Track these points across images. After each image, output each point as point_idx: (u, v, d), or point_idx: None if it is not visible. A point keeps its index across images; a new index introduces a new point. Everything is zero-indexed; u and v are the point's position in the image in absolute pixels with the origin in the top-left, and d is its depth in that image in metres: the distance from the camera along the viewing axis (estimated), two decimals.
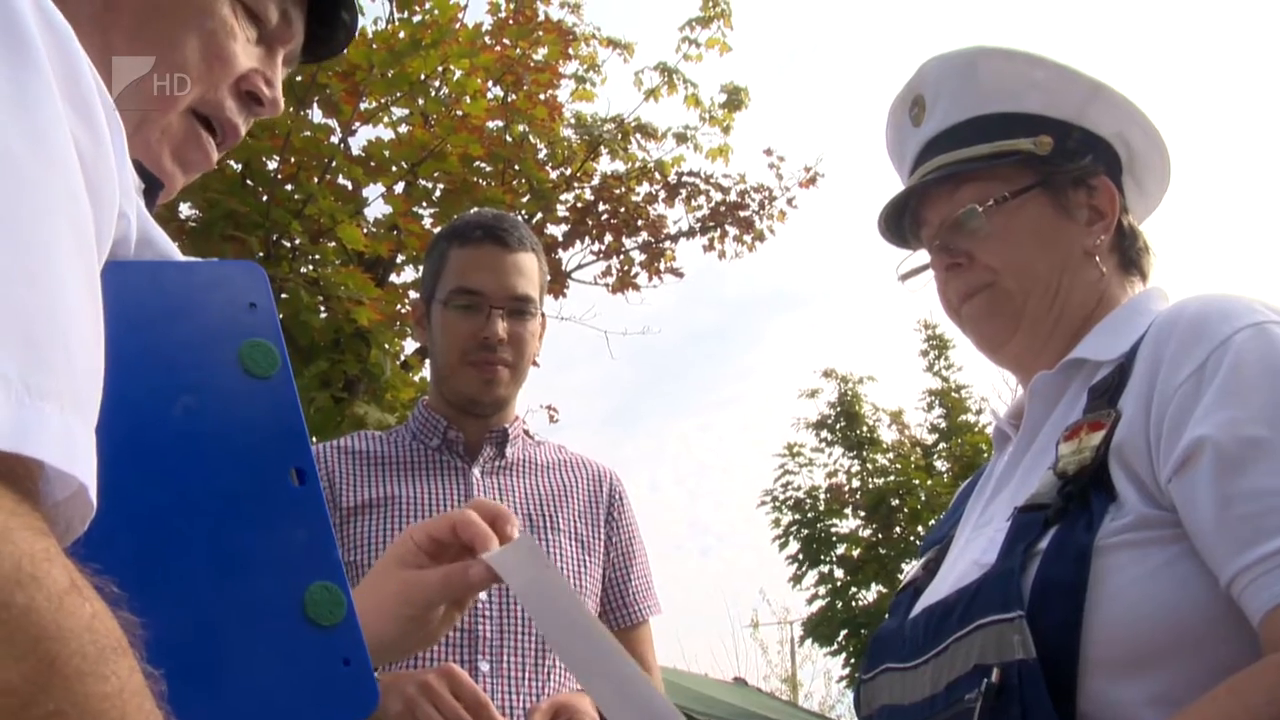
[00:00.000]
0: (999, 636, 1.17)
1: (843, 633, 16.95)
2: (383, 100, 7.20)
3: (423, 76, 7.03)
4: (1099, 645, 1.13)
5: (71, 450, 0.63)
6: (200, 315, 0.84)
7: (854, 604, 17.10)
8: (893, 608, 1.55)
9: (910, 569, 1.60)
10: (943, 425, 17.94)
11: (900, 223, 1.64)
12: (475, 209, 2.43)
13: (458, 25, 7.38)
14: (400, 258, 7.81)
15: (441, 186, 7.76)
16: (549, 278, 2.44)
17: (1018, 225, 1.49)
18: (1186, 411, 1.18)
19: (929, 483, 16.71)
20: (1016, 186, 1.49)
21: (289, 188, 6.95)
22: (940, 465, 17.59)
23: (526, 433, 2.42)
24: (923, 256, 1.62)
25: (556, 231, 9.44)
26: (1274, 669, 1.05)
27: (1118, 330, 1.41)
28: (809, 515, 17.78)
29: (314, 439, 2.33)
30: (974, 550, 1.36)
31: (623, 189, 9.66)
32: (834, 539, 17.62)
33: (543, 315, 2.36)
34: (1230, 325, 1.22)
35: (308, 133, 6.81)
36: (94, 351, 0.69)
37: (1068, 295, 1.48)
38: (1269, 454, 1.12)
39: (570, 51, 9.11)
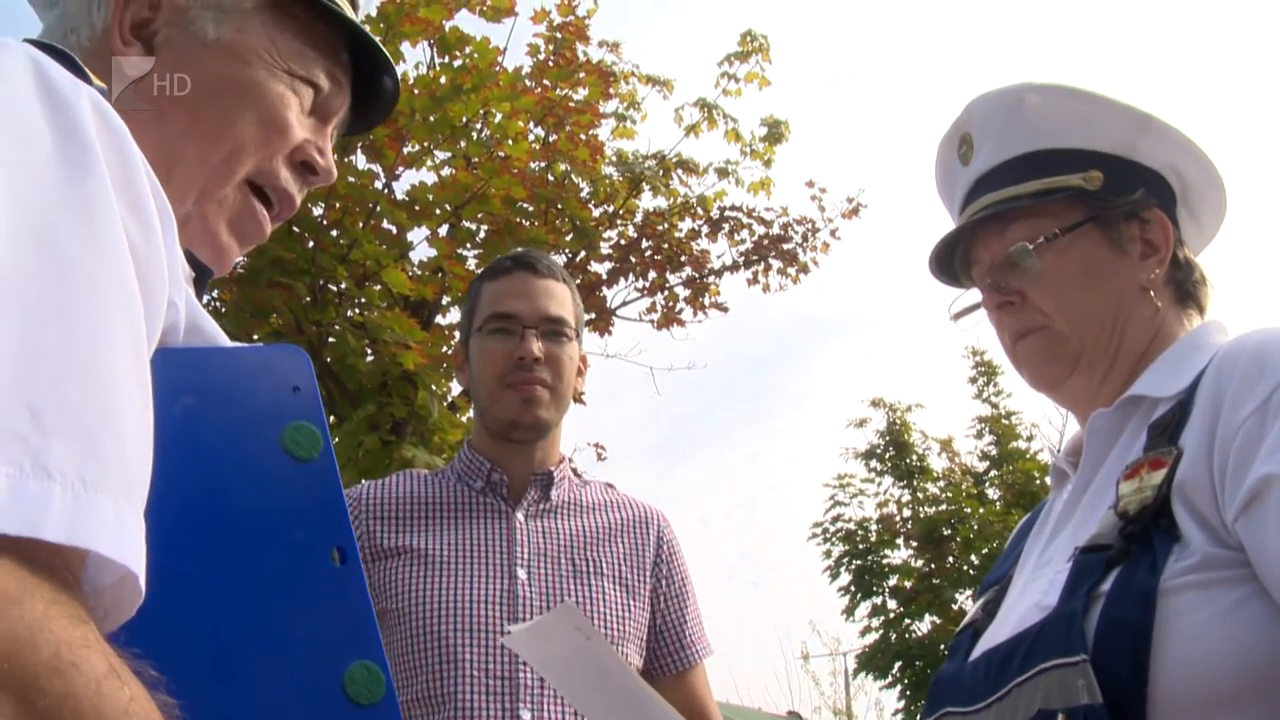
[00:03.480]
0: (1063, 681, 1.15)
1: (897, 664, 16.79)
2: (425, 144, 7.28)
3: (464, 120, 7.10)
4: (1167, 689, 1.10)
5: (123, 541, 0.65)
6: (245, 399, 0.87)
7: (908, 636, 16.95)
8: (952, 650, 1.52)
9: (970, 610, 1.57)
10: (993, 452, 17.80)
11: (951, 261, 1.63)
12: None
13: (498, 69, 7.45)
14: (445, 299, 7.87)
15: (485, 228, 7.82)
16: (590, 315, 2.45)
17: (1069, 262, 1.47)
18: (1252, 448, 1.16)
19: (981, 511, 16.56)
20: (1067, 223, 1.48)
21: (334, 233, 7.04)
22: (992, 493, 17.43)
23: (575, 471, 2.41)
24: (975, 295, 1.61)
25: (600, 269, 9.47)
26: None
27: (1176, 366, 1.39)
28: (860, 547, 17.67)
29: (362, 481, 2.34)
30: (1035, 592, 1.33)
31: (665, 225, 9.68)
32: (886, 570, 17.50)
33: (582, 350, 2.37)
34: None
35: (352, 178, 6.90)
36: (144, 441, 0.71)
37: (1123, 332, 1.46)
38: None
39: (610, 90, 9.15)
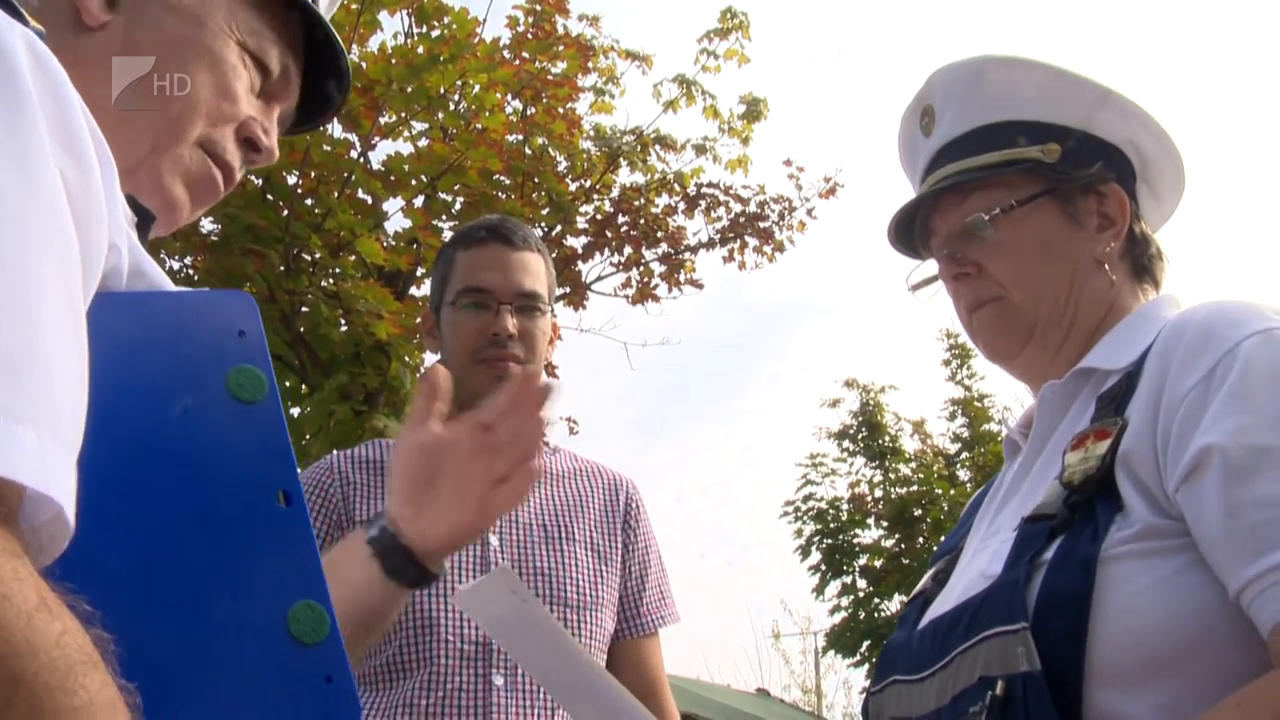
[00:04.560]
0: (1003, 648, 1.16)
1: (865, 644, 16.89)
2: (402, 115, 7.24)
3: (441, 91, 7.06)
4: (1104, 657, 1.12)
5: (47, 472, 0.65)
6: (188, 343, 0.87)
7: (876, 615, 17.05)
8: (902, 620, 1.54)
9: (922, 580, 1.59)
10: (965, 434, 17.89)
11: (910, 232, 1.64)
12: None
13: (476, 40, 7.41)
14: (420, 271, 7.85)
15: (461, 200, 7.79)
16: (565, 289, 2.44)
17: (1026, 234, 1.48)
18: (1194, 419, 1.17)
19: (952, 492, 16.66)
20: (1024, 194, 1.48)
21: (309, 202, 7.00)
22: (963, 475, 17.52)
23: (544, 440, 2.41)
24: (932, 266, 1.61)
25: (576, 243, 9.44)
26: None
27: (1127, 338, 1.40)
28: (831, 526, 17.75)
29: (334, 451, 2.34)
30: (981, 561, 1.35)
31: (642, 201, 9.66)
32: (856, 549, 17.58)
33: (554, 319, 2.36)
34: (1238, 332, 1.20)
35: (327, 147, 6.86)
36: (76, 380, 0.71)
37: (1077, 305, 1.47)
38: (1278, 462, 1.10)
39: (589, 64, 9.12)
